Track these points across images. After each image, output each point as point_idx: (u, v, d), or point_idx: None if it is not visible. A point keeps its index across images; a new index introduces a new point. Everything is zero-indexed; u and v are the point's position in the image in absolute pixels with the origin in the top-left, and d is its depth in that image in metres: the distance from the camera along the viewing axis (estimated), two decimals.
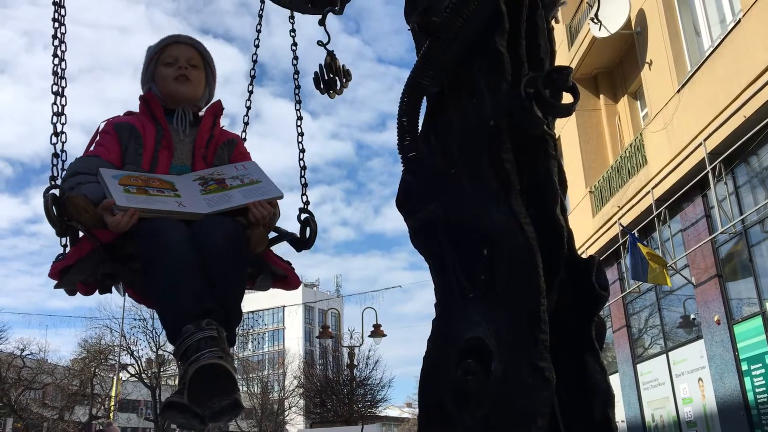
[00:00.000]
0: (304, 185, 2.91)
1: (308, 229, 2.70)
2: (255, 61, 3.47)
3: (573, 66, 15.97)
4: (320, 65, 3.27)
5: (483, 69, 1.98)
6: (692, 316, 12.75)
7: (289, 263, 2.62)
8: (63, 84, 2.55)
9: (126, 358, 38.10)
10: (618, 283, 15.25)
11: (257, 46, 3.44)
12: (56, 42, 2.59)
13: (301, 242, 2.67)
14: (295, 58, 3.35)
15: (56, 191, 2.33)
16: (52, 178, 2.41)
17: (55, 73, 2.55)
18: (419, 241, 2.08)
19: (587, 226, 15.88)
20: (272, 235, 2.62)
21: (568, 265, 1.92)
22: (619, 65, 15.80)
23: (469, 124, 1.98)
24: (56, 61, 2.57)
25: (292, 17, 3.44)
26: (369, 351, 28.08)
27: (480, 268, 1.89)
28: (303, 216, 2.75)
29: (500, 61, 1.93)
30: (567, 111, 1.92)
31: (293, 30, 3.41)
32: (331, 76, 3.27)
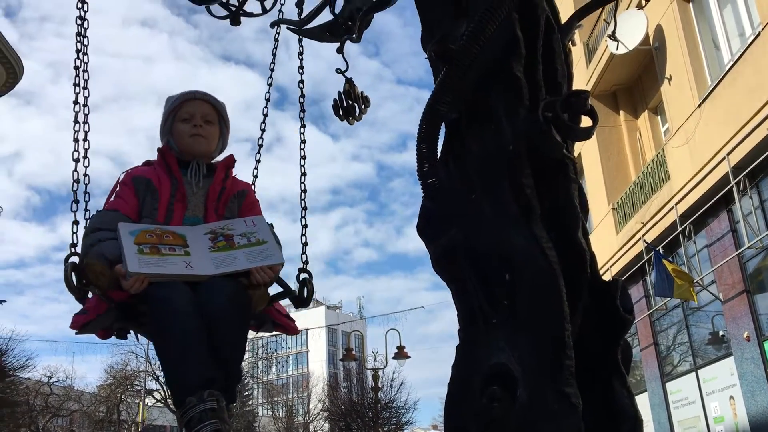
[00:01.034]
0: (305, 244, 3.00)
1: (306, 289, 2.81)
2: (270, 84, 3.52)
3: (591, 83, 15.95)
4: (339, 92, 3.30)
5: (500, 94, 1.99)
6: (721, 333, 12.54)
7: (288, 316, 2.80)
8: (84, 152, 2.74)
9: (151, 384, 38.23)
10: (644, 301, 15.05)
11: (272, 69, 3.51)
12: (78, 109, 2.72)
13: (299, 300, 2.79)
14: (301, 81, 3.44)
15: (76, 259, 2.50)
16: (72, 245, 2.55)
17: (76, 140, 2.70)
18: (440, 267, 2.08)
19: (611, 243, 15.73)
20: (273, 290, 2.76)
21: (592, 288, 1.90)
22: (639, 81, 15.74)
23: (488, 150, 1.99)
24: (78, 130, 2.71)
25: (300, 41, 3.49)
26: (393, 373, 27.96)
27: (502, 293, 1.88)
28: (302, 276, 2.87)
29: (517, 87, 1.94)
30: (586, 134, 1.92)
31: (300, 53, 3.49)
32: (350, 102, 3.30)
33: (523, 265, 1.83)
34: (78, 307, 2.51)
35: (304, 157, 3.17)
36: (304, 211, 3.08)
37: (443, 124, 2.12)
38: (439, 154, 2.14)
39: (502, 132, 1.96)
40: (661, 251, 12.87)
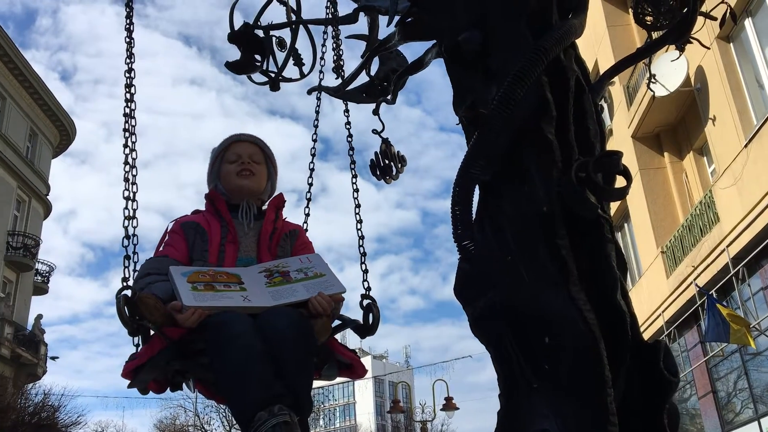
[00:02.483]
0: (365, 271, 2.92)
1: (371, 315, 2.70)
2: (315, 140, 3.60)
3: (633, 125, 15.82)
4: (375, 153, 3.36)
5: (533, 156, 2.00)
6: None
7: (354, 352, 2.65)
8: (134, 189, 2.73)
9: None
10: (699, 347, 14.56)
11: (316, 126, 3.59)
12: (127, 178, 2.76)
13: (364, 329, 2.69)
14: (350, 135, 3.49)
15: (128, 292, 2.45)
16: (124, 279, 2.52)
17: (126, 179, 2.74)
18: (479, 330, 2.06)
19: (661, 288, 15.34)
20: (335, 323, 2.65)
21: (634, 350, 1.87)
22: (682, 122, 15.55)
23: (522, 211, 1.99)
24: (128, 184, 2.75)
25: (346, 105, 3.57)
26: (442, 426, 27.43)
27: (542, 357, 1.86)
28: (365, 302, 2.76)
29: (549, 148, 1.95)
30: (620, 195, 1.91)
31: (346, 110, 3.56)
32: (387, 162, 3.35)
33: (562, 328, 1.81)
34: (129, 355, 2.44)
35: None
36: (361, 240, 3.03)
37: (477, 186, 2.14)
38: (474, 216, 2.15)
39: (535, 193, 1.96)
40: (714, 295, 12.48)
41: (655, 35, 3.00)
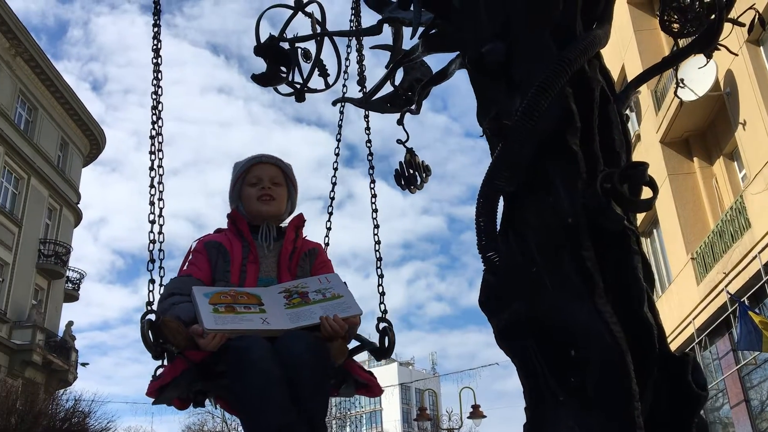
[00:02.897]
0: (382, 294, 2.94)
1: (387, 338, 2.74)
2: (338, 154, 3.61)
3: (662, 130, 15.63)
4: (400, 162, 3.37)
5: (557, 167, 2.00)
6: None
7: (371, 373, 2.68)
8: (161, 222, 2.80)
9: None
10: (731, 355, 14.29)
11: (339, 141, 3.61)
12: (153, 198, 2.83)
13: (380, 352, 2.73)
14: (369, 141, 3.53)
15: (152, 316, 2.52)
16: (148, 303, 2.59)
17: (151, 203, 2.81)
18: (504, 342, 2.06)
19: (692, 295, 15.11)
20: (353, 344, 2.69)
21: (662, 364, 1.84)
22: (712, 126, 15.32)
23: (547, 223, 1.98)
24: (153, 192, 2.83)
25: (366, 114, 3.60)
26: None
27: (568, 369, 1.84)
28: (381, 325, 2.79)
29: (574, 159, 1.94)
30: (646, 206, 1.90)
31: (366, 116, 3.59)
32: (411, 172, 3.36)
33: (588, 341, 1.80)
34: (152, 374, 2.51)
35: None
36: (379, 262, 3.05)
37: (501, 197, 2.13)
38: (498, 227, 2.15)
39: (560, 205, 1.95)
40: (746, 302, 12.26)
41: (681, 42, 2.97)
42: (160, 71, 3.10)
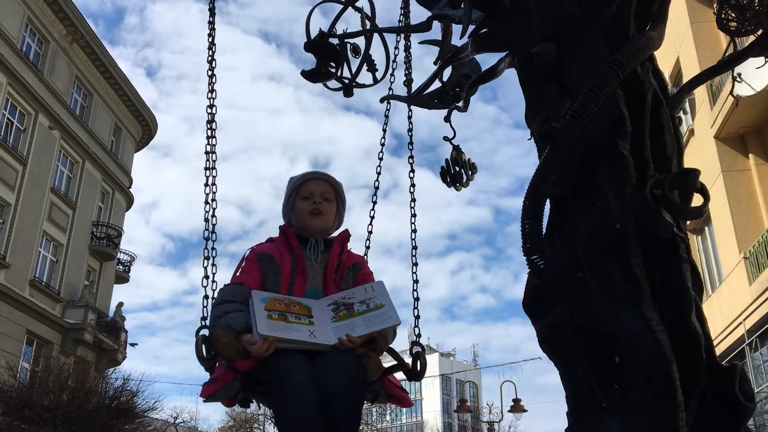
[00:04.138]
0: (417, 317, 3.03)
1: (419, 362, 2.82)
2: (383, 145, 3.66)
3: (717, 126, 15.21)
4: (446, 160, 3.37)
5: (607, 172, 1.97)
6: None
7: (402, 388, 2.83)
8: (213, 239, 2.95)
9: (270, 428, 39.01)
10: None
11: (383, 145, 3.65)
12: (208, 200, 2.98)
13: (412, 374, 2.82)
14: (410, 130, 3.61)
15: (206, 332, 2.68)
16: (203, 318, 2.75)
17: (206, 220, 2.95)
18: (547, 346, 2.05)
19: (744, 295, 14.71)
20: (390, 361, 2.82)
21: (709, 374, 1.82)
22: None
23: (595, 228, 1.97)
24: (208, 211, 2.98)
25: (410, 109, 3.61)
26: (510, 427, 27.11)
27: (612, 376, 1.83)
28: (415, 349, 2.88)
29: (624, 165, 1.92)
30: (697, 213, 1.86)
31: (410, 113, 3.62)
32: (457, 169, 3.36)
33: (633, 349, 1.78)
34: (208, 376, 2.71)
35: (415, 263, 3.20)
36: (415, 284, 3.12)
37: (548, 200, 2.12)
38: (544, 230, 2.13)
39: (609, 210, 1.93)
40: None
41: (738, 41, 2.89)
42: (215, 59, 3.21)
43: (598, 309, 1.90)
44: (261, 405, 2.92)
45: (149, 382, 23.52)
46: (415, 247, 3.22)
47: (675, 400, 1.68)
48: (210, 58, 3.22)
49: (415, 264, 3.17)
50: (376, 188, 3.55)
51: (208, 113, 3.11)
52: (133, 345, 26.89)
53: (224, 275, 2.93)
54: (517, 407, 21.35)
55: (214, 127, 3.10)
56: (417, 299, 3.07)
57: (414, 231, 3.25)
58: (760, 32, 2.66)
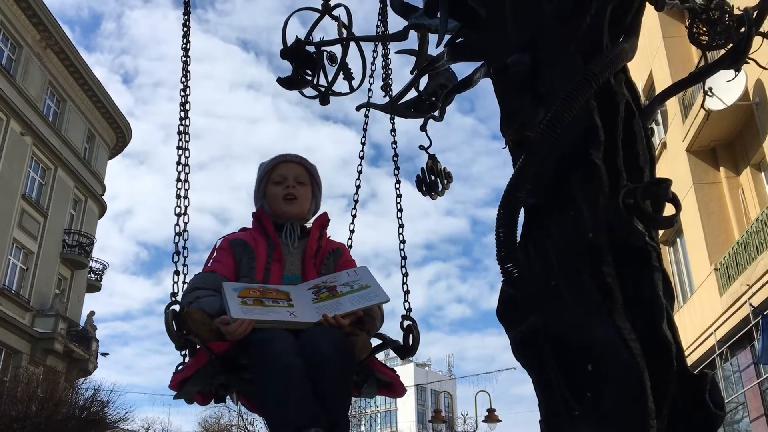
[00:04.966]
0: (407, 292, 2.93)
1: (411, 336, 2.72)
2: (362, 157, 3.65)
3: (688, 139, 15.45)
4: (422, 168, 3.38)
5: (580, 181, 1.99)
6: None
7: (393, 371, 2.66)
8: (185, 220, 2.81)
9: None
10: (752, 368, 14.09)
11: (363, 145, 3.64)
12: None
13: (404, 350, 2.71)
14: (394, 142, 3.54)
15: (176, 307, 2.52)
16: (173, 294, 2.59)
17: (178, 196, 2.83)
18: (521, 354, 2.06)
19: (714, 306, 14.91)
20: (377, 342, 2.68)
21: (680, 382, 1.83)
22: (740, 136, 15.11)
23: (568, 236, 1.98)
24: (180, 198, 2.84)
25: (392, 121, 3.61)
26: None
27: (585, 384, 1.84)
28: (405, 323, 2.77)
29: (597, 174, 1.93)
30: (669, 223, 1.88)
31: (393, 122, 3.59)
32: (433, 178, 3.37)
33: (605, 357, 1.79)
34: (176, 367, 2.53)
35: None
36: (404, 261, 3.05)
37: (522, 209, 2.13)
38: (518, 239, 2.14)
39: (582, 219, 1.95)
40: None
41: (710, 55, 2.94)
42: (189, 72, 3.13)
43: (571, 317, 1.91)
44: (239, 403, 2.70)
45: (120, 392, 23.27)
46: (401, 226, 3.17)
47: (646, 408, 1.69)
48: (183, 88, 3.08)
49: (403, 242, 3.12)
50: (356, 201, 3.49)
51: (179, 140, 2.97)
52: (104, 355, 26.54)
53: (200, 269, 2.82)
54: (491, 417, 21.37)
55: (187, 139, 2.98)
56: (406, 275, 3.00)
57: (401, 227, 3.21)
58: (730, 46, 2.71)
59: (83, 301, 26.24)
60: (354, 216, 3.38)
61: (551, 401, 1.94)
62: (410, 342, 2.70)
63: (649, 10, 2.41)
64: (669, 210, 1.93)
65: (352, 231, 3.33)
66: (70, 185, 25.24)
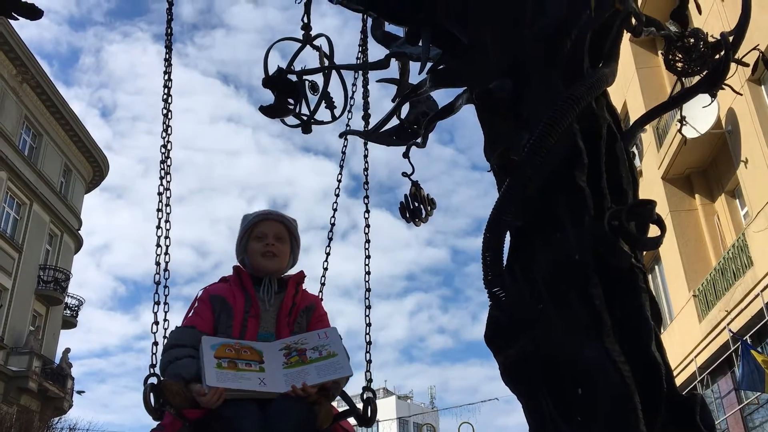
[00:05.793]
0: (369, 362, 3.03)
1: (369, 408, 2.80)
2: (339, 180, 3.67)
3: (663, 167, 15.69)
4: (405, 195, 3.38)
5: (565, 204, 2.00)
6: None
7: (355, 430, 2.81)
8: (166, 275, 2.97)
9: None
10: (734, 394, 14.14)
11: (339, 181, 3.66)
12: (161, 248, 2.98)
13: (363, 420, 2.80)
14: (366, 168, 3.63)
15: (155, 380, 2.64)
16: (152, 366, 2.71)
17: (157, 262, 2.97)
18: (510, 379, 2.04)
19: (694, 332, 15.00)
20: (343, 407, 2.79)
21: (670, 403, 1.82)
22: (713, 164, 15.38)
23: (554, 259, 1.98)
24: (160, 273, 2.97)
25: (366, 143, 3.64)
26: None
27: (575, 408, 1.82)
28: (366, 395, 2.87)
29: (581, 197, 1.94)
30: (654, 244, 1.89)
31: (366, 149, 3.66)
32: (416, 205, 3.37)
33: (595, 380, 1.78)
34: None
35: (368, 241, 3.26)
36: (368, 328, 3.12)
37: (508, 233, 2.13)
38: (505, 262, 2.14)
39: (567, 241, 1.95)
40: (748, 341, 12.17)
41: (686, 81, 2.99)
42: (170, 107, 3.21)
43: (560, 341, 1.90)
44: None
45: (96, 431, 22.69)
46: (368, 290, 3.23)
47: (638, 430, 1.67)
48: (166, 104, 3.21)
49: (368, 307, 3.17)
50: (332, 224, 3.56)
51: (161, 183, 3.11)
52: (80, 393, 25.95)
53: (177, 319, 2.90)
54: None
55: (168, 179, 3.11)
56: (369, 343, 3.06)
57: (368, 273, 3.25)
58: (705, 72, 2.77)
59: (59, 338, 25.74)
60: (327, 254, 3.48)
61: (541, 425, 1.92)
62: (369, 414, 2.79)
63: (623, 40, 2.46)
64: (654, 231, 1.94)
65: (326, 269, 3.42)
66: (46, 220, 24.93)
